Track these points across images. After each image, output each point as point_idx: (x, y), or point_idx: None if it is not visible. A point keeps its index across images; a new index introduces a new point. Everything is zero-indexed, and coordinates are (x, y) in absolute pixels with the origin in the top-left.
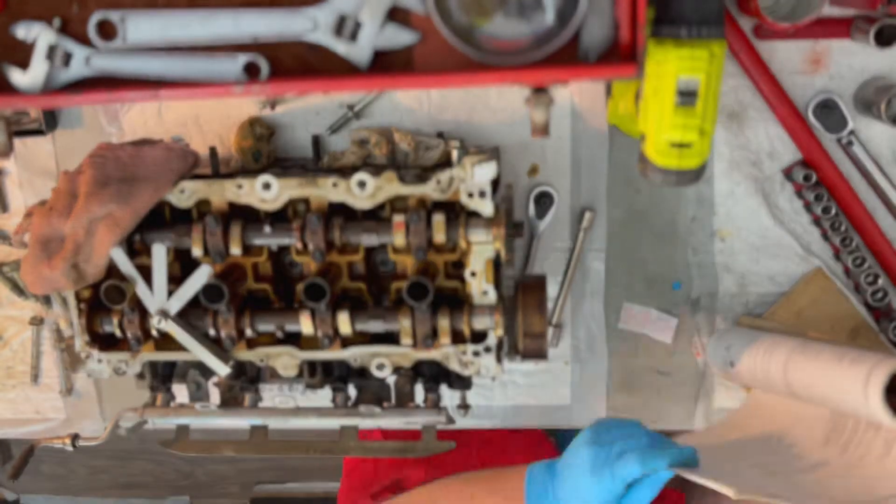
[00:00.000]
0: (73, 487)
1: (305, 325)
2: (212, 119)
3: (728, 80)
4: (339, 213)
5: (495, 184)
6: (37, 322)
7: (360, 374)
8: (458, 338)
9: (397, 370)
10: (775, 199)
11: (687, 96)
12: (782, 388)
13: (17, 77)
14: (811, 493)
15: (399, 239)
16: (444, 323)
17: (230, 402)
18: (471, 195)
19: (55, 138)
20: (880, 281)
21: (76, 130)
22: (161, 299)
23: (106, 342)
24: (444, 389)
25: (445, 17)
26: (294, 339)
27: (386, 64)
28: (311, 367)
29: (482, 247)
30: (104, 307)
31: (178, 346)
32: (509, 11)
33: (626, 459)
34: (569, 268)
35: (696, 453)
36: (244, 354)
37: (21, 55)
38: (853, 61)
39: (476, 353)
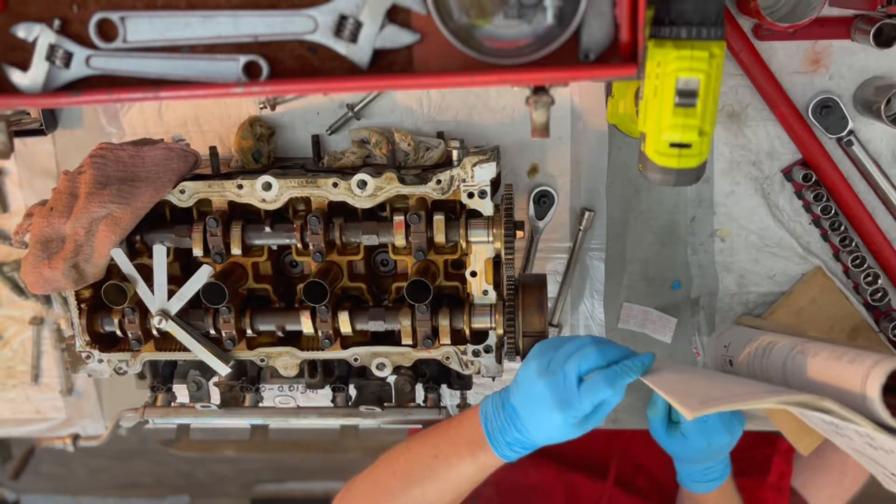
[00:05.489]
0: (73, 487)
1: (306, 324)
2: (212, 119)
3: (728, 80)
4: (340, 213)
5: (495, 184)
6: (37, 322)
7: (361, 373)
8: (458, 337)
9: (397, 370)
10: (775, 199)
11: (687, 96)
12: (781, 386)
13: (18, 77)
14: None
15: (399, 239)
16: (444, 323)
17: (230, 401)
18: (471, 195)
19: (55, 138)
20: (880, 281)
21: (76, 130)
22: (162, 299)
23: (106, 342)
24: (444, 389)
25: (445, 18)
26: (294, 339)
27: (386, 64)
28: (312, 366)
29: (482, 247)
30: (105, 307)
31: (179, 346)
32: (509, 11)
33: (593, 384)
34: (569, 268)
35: (654, 357)
36: (244, 354)
37: (21, 55)
38: (853, 61)
39: (476, 353)
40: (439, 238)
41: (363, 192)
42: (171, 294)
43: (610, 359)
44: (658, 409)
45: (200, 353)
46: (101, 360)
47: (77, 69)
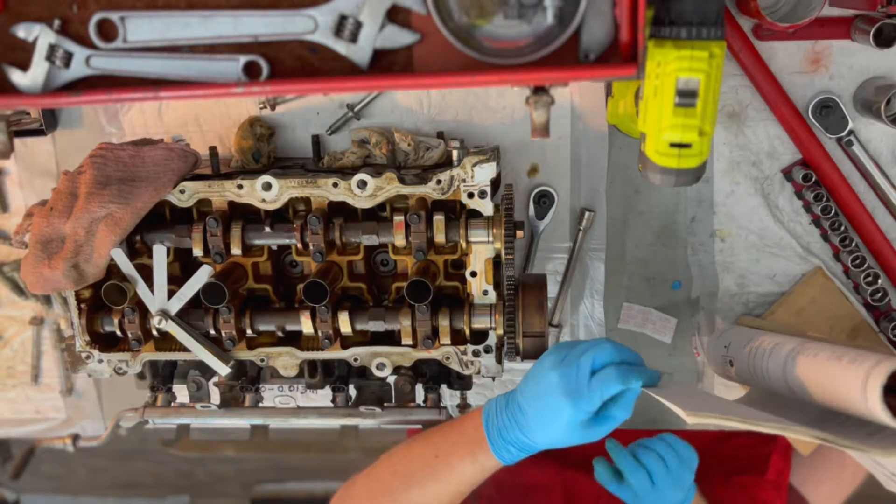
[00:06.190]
0: (73, 487)
1: (306, 324)
2: (212, 119)
3: (728, 80)
4: (340, 213)
5: (495, 184)
6: (37, 322)
7: (361, 374)
8: (458, 338)
9: (397, 370)
10: (775, 199)
11: (687, 96)
12: (781, 387)
13: (18, 77)
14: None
15: (399, 239)
16: (444, 323)
17: (230, 402)
18: (471, 195)
19: (55, 138)
20: (880, 281)
21: (76, 130)
22: (162, 299)
23: (106, 342)
24: (444, 389)
25: (445, 18)
26: (294, 339)
27: (386, 64)
28: (312, 366)
29: (482, 247)
30: (105, 307)
31: (179, 346)
32: (509, 12)
33: (605, 376)
34: (569, 268)
35: (661, 375)
36: (244, 354)
37: (21, 55)
38: (853, 61)
39: (476, 353)
40: (439, 238)
41: (363, 192)
42: (171, 294)
43: (625, 358)
44: (602, 465)
45: (200, 353)
46: (101, 360)
47: (77, 69)
